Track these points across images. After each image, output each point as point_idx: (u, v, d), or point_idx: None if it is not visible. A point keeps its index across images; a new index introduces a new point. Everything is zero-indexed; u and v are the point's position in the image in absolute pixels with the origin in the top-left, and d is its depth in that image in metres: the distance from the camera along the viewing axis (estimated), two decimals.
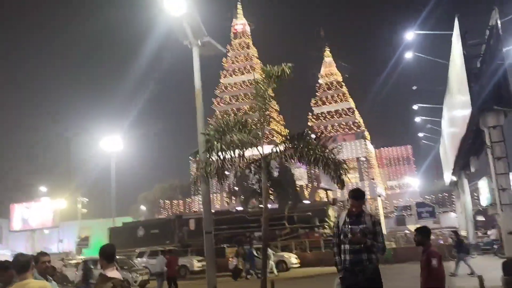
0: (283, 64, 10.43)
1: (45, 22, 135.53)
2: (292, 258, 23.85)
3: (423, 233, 4.94)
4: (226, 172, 45.04)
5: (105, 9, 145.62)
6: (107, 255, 3.85)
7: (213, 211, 35.37)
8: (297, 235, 27.87)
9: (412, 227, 28.35)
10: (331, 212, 28.25)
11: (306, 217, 27.67)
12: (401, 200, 56.30)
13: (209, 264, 9.66)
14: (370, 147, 58.39)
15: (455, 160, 20.64)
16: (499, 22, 11.39)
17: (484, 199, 23.60)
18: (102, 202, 43.99)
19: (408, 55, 20.06)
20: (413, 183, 60.56)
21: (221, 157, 9.94)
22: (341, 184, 10.60)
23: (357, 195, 4.53)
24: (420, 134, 33.36)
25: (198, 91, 9.07)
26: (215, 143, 9.85)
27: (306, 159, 9.78)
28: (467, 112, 12.72)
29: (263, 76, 11.45)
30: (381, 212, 27.58)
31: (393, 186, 61.54)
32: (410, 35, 18.37)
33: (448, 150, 24.36)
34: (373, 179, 57.09)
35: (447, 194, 47.01)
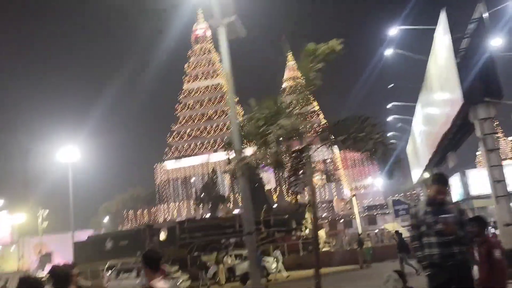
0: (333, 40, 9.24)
1: None
2: (271, 262, 23.28)
3: (479, 223, 4.54)
4: (193, 180, 43.95)
5: (54, 20, 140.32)
6: (151, 262, 3.18)
7: (183, 219, 34.40)
8: (273, 239, 27.40)
9: (389, 225, 28.64)
10: (308, 214, 27.99)
11: (283, 220, 27.28)
12: (366, 200, 57.39)
13: (253, 268, 8.74)
14: (336, 149, 59.02)
15: (431, 157, 20.87)
16: (486, 14, 11.46)
17: (456, 194, 24.12)
18: (61, 216, 41.72)
19: (388, 52, 20.16)
20: (377, 183, 61.85)
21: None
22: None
23: (443, 179, 4.06)
24: (389, 134, 33.85)
25: (228, 74, 8.13)
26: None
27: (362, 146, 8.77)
28: (453, 106, 12.73)
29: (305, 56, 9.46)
30: (356, 211, 27.59)
31: (357, 186, 62.46)
32: (392, 31, 18.43)
33: (420, 148, 24.74)
34: (339, 180, 57.79)
35: (414, 192, 48.13)
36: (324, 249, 25.63)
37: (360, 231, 26.81)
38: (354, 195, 30.23)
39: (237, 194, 54.02)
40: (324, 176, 58.64)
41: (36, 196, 39.24)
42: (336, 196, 56.30)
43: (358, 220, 27.32)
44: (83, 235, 54.31)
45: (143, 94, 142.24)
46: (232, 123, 8.31)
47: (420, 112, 21.78)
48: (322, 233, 28.11)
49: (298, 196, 37.64)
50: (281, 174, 47.96)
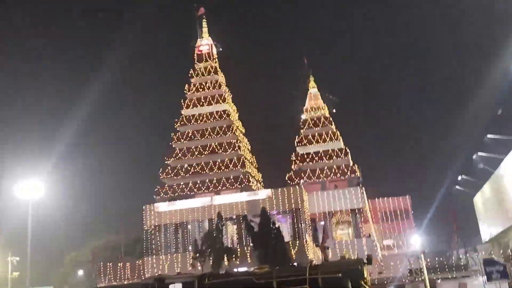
0: None
1: None
2: None
3: None
4: (188, 226, 42.82)
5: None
6: None
7: (195, 273, 32.59)
8: None
9: None
10: (366, 272, 26.67)
11: (335, 278, 25.85)
12: (398, 262, 56.00)
13: None
14: (365, 197, 58.38)
15: None
16: None
17: None
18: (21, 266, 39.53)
19: None
20: (414, 242, 60.77)
21: None
22: None
23: None
24: (460, 177, 33.37)
25: None
26: None
27: None
28: None
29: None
30: (425, 273, 26.31)
31: (389, 245, 61.44)
32: None
33: None
34: (370, 235, 56.65)
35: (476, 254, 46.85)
36: None
37: None
38: (423, 252, 29.20)
39: (245, 246, 52.32)
40: (351, 230, 57.62)
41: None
42: (348, 256, 54.97)
43: (427, 284, 26.10)
44: None
45: (130, 118, 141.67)
46: None
47: None
48: None
49: (328, 251, 36.50)
50: (300, 224, 46.79)
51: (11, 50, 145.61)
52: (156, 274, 38.20)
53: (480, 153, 26.97)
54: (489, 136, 25.06)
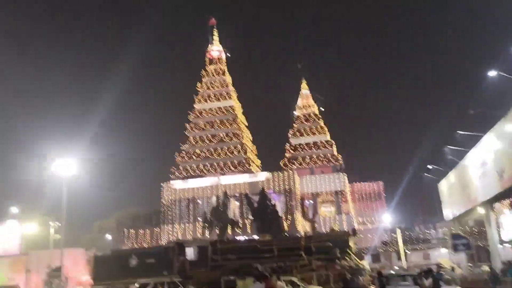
0: None
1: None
2: None
3: None
4: (199, 201, 42.71)
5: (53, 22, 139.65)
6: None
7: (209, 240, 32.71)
8: (312, 268, 26.02)
9: (444, 260, 27.62)
10: (352, 242, 26.87)
11: (325, 247, 25.99)
12: (372, 235, 56.34)
13: None
14: (346, 181, 58.55)
15: (497, 194, 20.36)
16: None
17: (511, 233, 23.60)
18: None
19: (492, 73, 19.84)
20: (385, 219, 61.16)
21: None
22: None
23: None
24: (429, 166, 33.68)
25: None
26: None
27: None
28: None
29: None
30: (400, 245, 26.65)
31: (364, 221, 61.72)
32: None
33: (476, 181, 24.29)
34: (349, 213, 56.93)
35: (434, 231, 47.38)
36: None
37: (405, 265, 25.79)
38: (399, 227, 29.41)
39: (246, 219, 52.44)
40: (333, 208, 57.86)
41: (46, 206, 37.11)
42: (346, 229, 55.22)
43: (402, 253, 26.35)
44: (74, 253, 51.67)
45: (151, 108, 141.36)
46: None
47: (491, 142, 21.35)
48: (366, 264, 27.01)
49: (315, 225, 36.26)
50: (292, 202, 46.69)
51: (54, 40, 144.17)
52: (176, 239, 38.34)
53: (449, 146, 27.25)
54: (459, 132, 25.32)
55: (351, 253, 25.75)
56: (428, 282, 14.81)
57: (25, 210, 34.11)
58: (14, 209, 33.91)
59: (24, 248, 31.67)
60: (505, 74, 18.68)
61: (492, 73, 19.40)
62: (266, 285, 11.18)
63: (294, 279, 22.16)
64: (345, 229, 49.73)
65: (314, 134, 60.19)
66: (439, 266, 19.61)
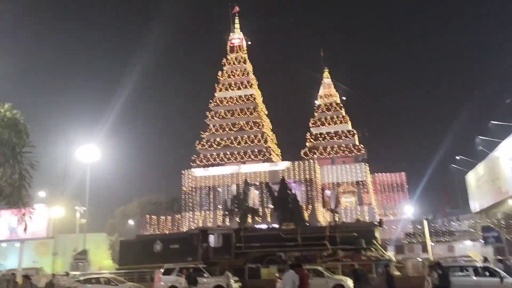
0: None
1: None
2: (349, 282, 21.73)
3: None
4: (219, 189, 42.67)
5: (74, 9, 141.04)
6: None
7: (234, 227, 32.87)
8: (337, 258, 25.84)
9: (473, 253, 27.09)
10: (378, 233, 26.54)
11: (351, 237, 25.80)
12: (395, 227, 55.73)
13: None
14: (368, 171, 57.87)
15: None
16: None
17: None
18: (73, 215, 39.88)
19: None
20: (407, 211, 60.39)
21: None
22: None
23: None
24: (458, 157, 32.92)
25: None
26: None
27: None
28: None
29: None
30: (427, 235, 26.20)
31: (386, 212, 61.04)
32: None
33: (509, 172, 23.62)
34: (370, 204, 56.36)
35: (457, 223, 46.47)
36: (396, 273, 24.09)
37: (431, 257, 25.36)
38: (426, 218, 28.91)
39: (266, 208, 52.51)
40: (354, 199, 57.37)
41: (69, 191, 37.73)
42: (362, 219, 54.80)
43: (429, 245, 25.94)
44: (96, 238, 52.58)
45: (172, 97, 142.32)
46: None
47: None
48: (391, 255, 26.68)
49: (336, 216, 35.99)
50: (312, 192, 46.28)
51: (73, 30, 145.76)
52: (200, 226, 38.61)
53: (481, 137, 26.49)
54: (492, 122, 24.56)
55: (377, 244, 25.51)
56: (435, 276, 13.40)
57: (53, 194, 34.77)
58: (41, 193, 34.67)
59: (51, 232, 32.38)
60: None
61: None
62: (300, 274, 11.00)
63: (320, 268, 22.05)
64: (367, 220, 49.40)
65: (335, 123, 59.54)
66: (485, 259, 19.12)
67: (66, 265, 33.05)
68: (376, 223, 27.35)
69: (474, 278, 14.73)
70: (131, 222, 54.65)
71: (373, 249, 25.55)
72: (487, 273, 14.92)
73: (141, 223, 54.42)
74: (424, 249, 33.58)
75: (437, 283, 11.90)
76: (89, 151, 42.26)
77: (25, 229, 18.03)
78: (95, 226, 58.24)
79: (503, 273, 15.11)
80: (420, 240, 32.41)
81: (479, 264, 17.04)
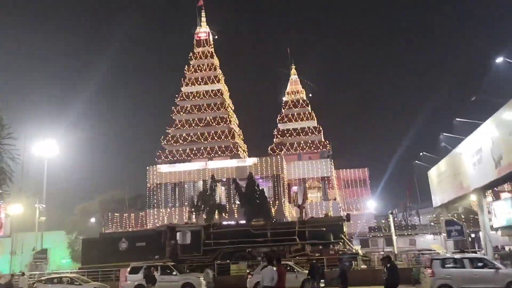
0: None
1: None
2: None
3: None
4: (185, 185, 42.16)
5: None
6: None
7: (203, 224, 32.42)
8: (306, 253, 26.03)
9: (436, 246, 27.97)
10: (345, 228, 26.95)
11: (320, 232, 26.07)
12: (359, 221, 57.03)
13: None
14: (333, 167, 58.79)
15: (492, 181, 20.55)
16: None
17: (503, 220, 24.00)
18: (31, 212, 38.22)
19: (499, 60, 19.79)
20: (370, 206, 61.98)
21: None
22: None
23: None
24: (421, 154, 33.88)
25: None
26: None
27: None
28: None
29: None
30: (392, 229, 26.85)
31: (350, 207, 62.27)
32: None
33: (469, 168, 24.52)
34: (335, 199, 57.34)
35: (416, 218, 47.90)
36: (362, 266, 24.60)
37: (396, 250, 26.04)
38: (391, 213, 29.57)
39: (233, 204, 52.32)
40: (320, 194, 58.16)
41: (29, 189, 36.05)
42: (330, 214, 55.72)
43: (394, 238, 26.60)
44: (54, 236, 50.61)
45: (136, 90, 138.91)
46: None
47: (489, 130, 21.46)
48: (358, 249, 27.15)
49: (303, 211, 36.21)
50: (279, 187, 46.48)
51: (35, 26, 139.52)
52: (168, 223, 37.84)
53: (445, 134, 27.37)
54: (457, 119, 25.42)
55: (344, 238, 25.91)
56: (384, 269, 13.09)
57: (11, 191, 33.04)
58: None
59: (8, 231, 30.77)
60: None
61: (499, 60, 19.43)
62: (279, 270, 10.87)
63: (290, 263, 22.11)
64: (332, 215, 50.17)
65: (302, 120, 60.02)
66: (462, 251, 19.77)
67: (24, 265, 31.58)
68: (344, 218, 27.74)
69: (470, 269, 15.18)
70: (92, 220, 52.94)
71: (341, 243, 25.94)
72: (480, 264, 15.40)
73: (103, 220, 52.81)
74: (388, 243, 34.54)
75: (386, 276, 12.15)
76: (47, 146, 40.57)
77: None
78: (54, 224, 56.11)
79: (497, 264, 15.67)
80: (384, 233, 33.22)
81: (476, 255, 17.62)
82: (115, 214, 54.76)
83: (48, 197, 40.87)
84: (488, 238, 23.43)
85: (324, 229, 26.05)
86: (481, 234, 30.61)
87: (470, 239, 30.87)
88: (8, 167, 15.70)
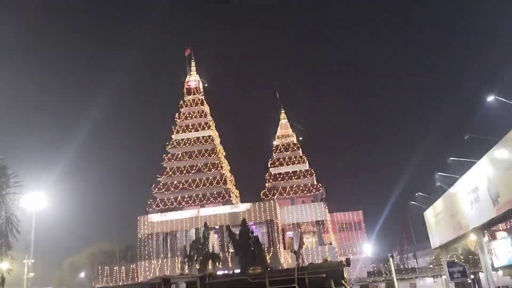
0: None
1: None
2: None
3: None
4: (177, 234, 41.15)
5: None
6: None
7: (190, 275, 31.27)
8: None
9: None
10: (346, 273, 26.18)
11: (320, 279, 25.19)
12: (357, 266, 55.85)
13: None
14: (327, 210, 58.29)
15: (491, 219, 20.49)
16: None
17: (504, 259, 23.61)
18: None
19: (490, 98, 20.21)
20: (366, 249, 61.06)
21: None
22: None
23: None
24: (416, 194, 33.90)
25: None
26: None
27: None
28: None
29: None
30: (393, 274, 26.24)
31: (346, 251, 61.26)
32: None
33: (466, 208, 24.43)
34: (331, 243, 56.40)
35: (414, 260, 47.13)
36: None
37: None
38: (391, 256, 28.96)
39: (226, 252, 51.02)
40: (315, 239, 57.22)
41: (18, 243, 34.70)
42: (329, 259, 54.55)
43: (395, 282, 25.89)
44: None
45: (127, 139, 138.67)
46: None
47: (484, 168, 21.58)
48: None
49: (300, 257, 35.27)
50: (273, 233, 45.74)
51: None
52: (162, 275, 36.50)
53: (439, 173, 27.53)
54: (451, 158, 25.64)
55: (346, 284, 25.10)
56: None
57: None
58: None
59: None
60: (503, 99, 19.18)
61: (490, 98, 19.90)
62: None
63: None
64: (329, 260, 49.03)
65: (293, 163, 60.11)
66: None
67: None
68: (344, 263, 27.00)
69: None
70: (82, 274, 51.00)
71: None
72: None
73: (93, 274, 50.88)
74: (389, 287, 33.64)
75: None
76: (35, 199, 39.64)
77: None
78: (41, 280, 53.91)
79: None
80: (386, 278, 32.46)
81: None
82: (105, 267, 52.89)
83: (37, 251, 39.51)
84: (491, 278, 22.99)
85: (324, 275, 25.21)
86: (481, 274, 30.11)
87: (469, 281, 30.34)
88: (15, 218, 15.14)
